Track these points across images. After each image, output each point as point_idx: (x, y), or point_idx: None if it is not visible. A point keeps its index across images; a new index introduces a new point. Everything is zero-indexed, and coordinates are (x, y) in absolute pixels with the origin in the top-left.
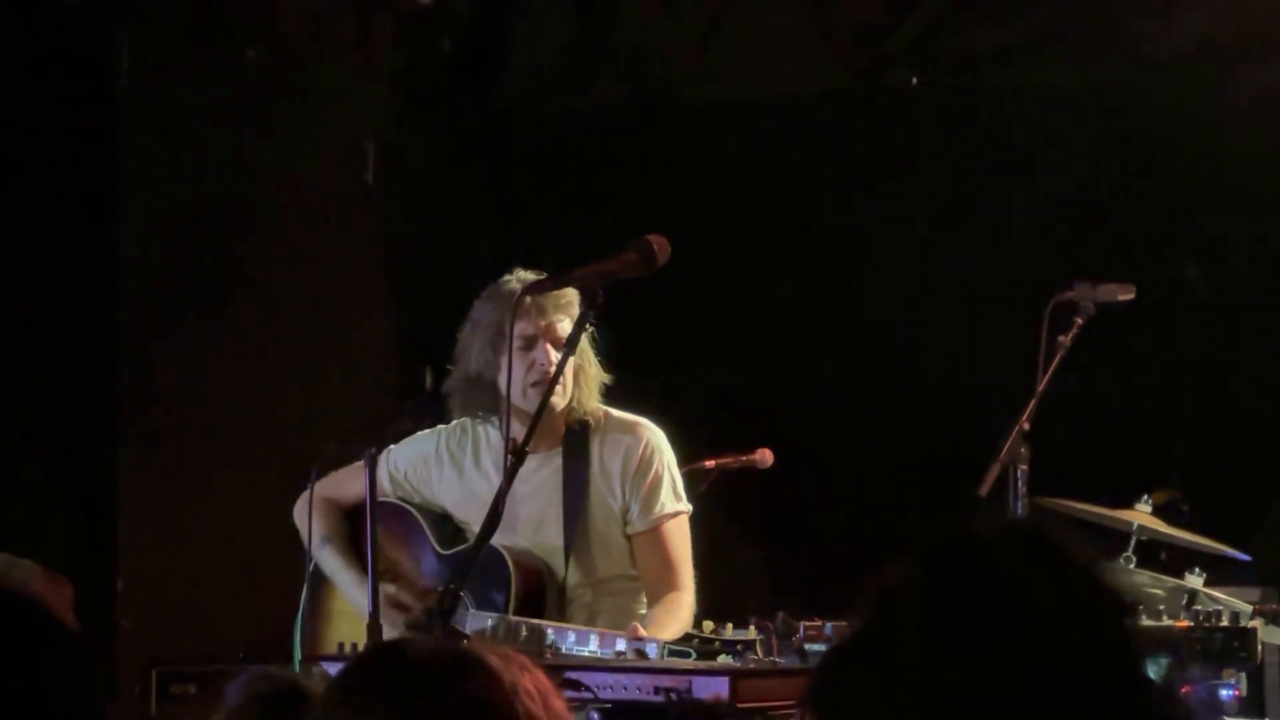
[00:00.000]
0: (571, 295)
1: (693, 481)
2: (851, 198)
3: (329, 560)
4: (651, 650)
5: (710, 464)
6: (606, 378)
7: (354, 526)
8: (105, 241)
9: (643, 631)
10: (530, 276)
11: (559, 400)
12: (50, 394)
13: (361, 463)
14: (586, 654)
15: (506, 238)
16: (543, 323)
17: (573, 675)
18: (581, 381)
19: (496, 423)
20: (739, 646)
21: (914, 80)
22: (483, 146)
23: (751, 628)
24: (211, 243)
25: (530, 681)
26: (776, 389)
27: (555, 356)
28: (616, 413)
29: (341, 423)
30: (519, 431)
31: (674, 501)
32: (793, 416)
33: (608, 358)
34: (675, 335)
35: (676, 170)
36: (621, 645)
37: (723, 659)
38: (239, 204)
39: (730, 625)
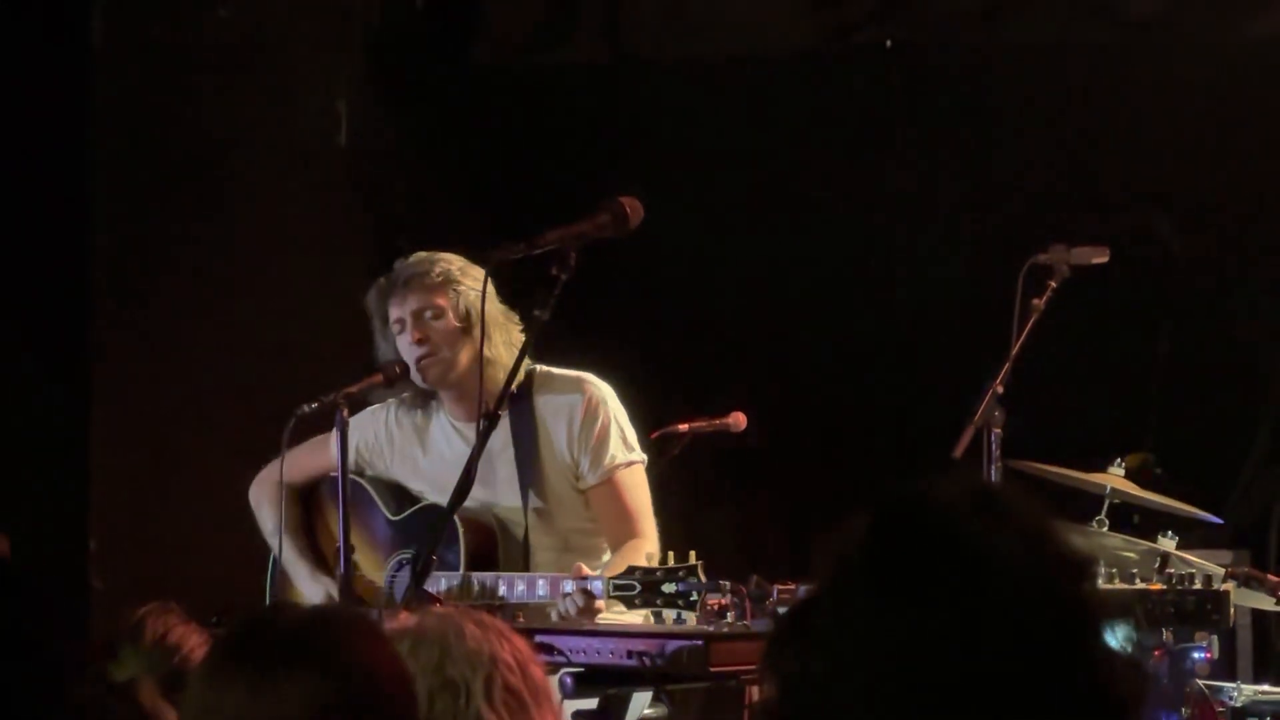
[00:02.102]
0: (444, 270)
1: (665, 446)
2: (825, 158)
3: (283, 550)
4: (596, 587)
5: (683, 428)
6: (518, 337)
7: (307, 511)
8: (77, 200)
9: (587, 570)
10: (424, 255)
11: (445, 370)
12: (21, 353)
13: (317, 439)
14: (537, 600)
15: (480, 197)
16: (406, 303)
17: (545, 639)
18: (488, 349)
19: (432, 406)
20: (680, 574)
21: (887, 40)
22: (456, 106)
23: (726, 591)
24: (184, 203)
25: (509, 652)
26: (750, 352)
27: (428, 332)
28: (558, 370)
29: (316, 384)
30: (456, 409)
31: (624, 451)
32: (766, 380)
33: (579, 321)
34: (647, 298)
35: (649, 130)
36: (569, 586)
37: (666, 588)
38: (212, 164)
39: (671, 554)
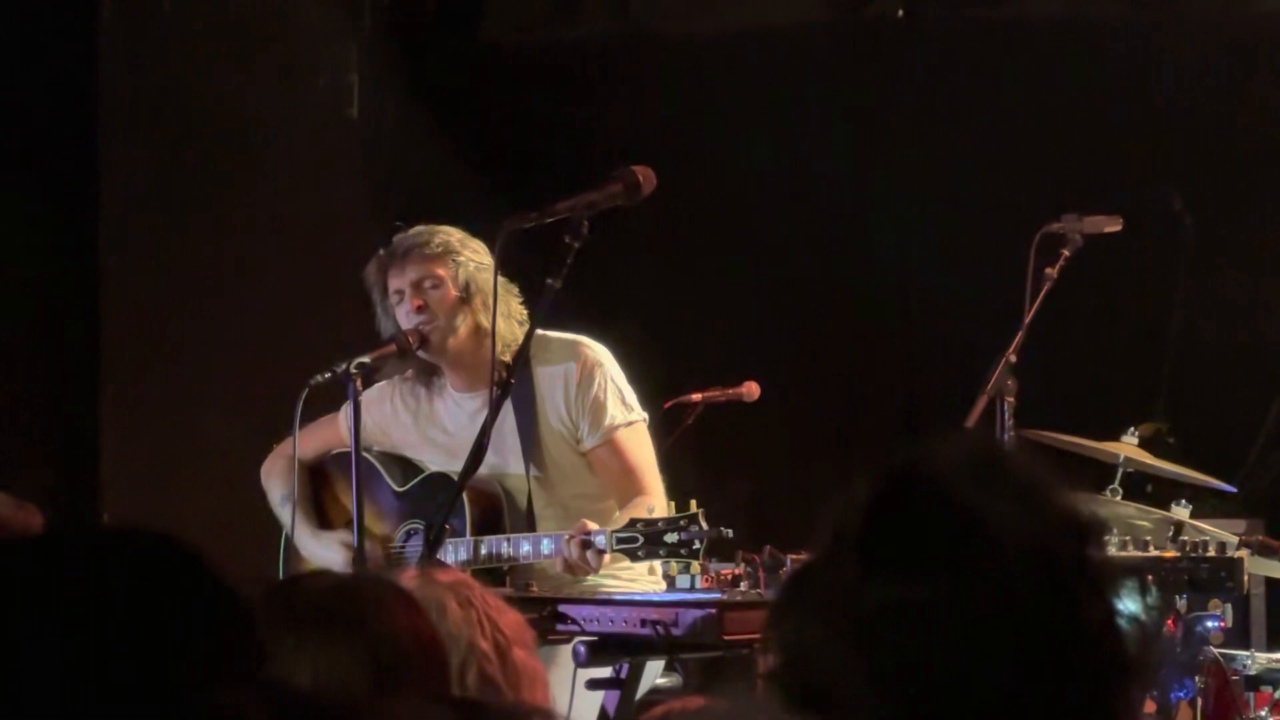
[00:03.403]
0: (445, 241)
1: (679, 415)
2: (837, 130)
3: (287, 518)
4: (600, 540)
5: (696, 397)
6: (517, 309)
7: (315, 486)
8: (86, 179)
9: (591, 525)
10: (424, 227)
11: (443, 339)
12: (32, 331)
13: (324, 418)
14: (544, 558)
15: (490, 171)
16: (406, 274)
17: (559, 608)
18: (481, 317)
19: (435, 382)
20: (682, 523)
21: (900, 12)
22: (468, 80)
23: (740, 561)
24: (196, 179)
25: (489, 637)
26: (762, 322)
27: (427, 300)
28: (554, 334)
29: (327, 357)
30: (456, 381)
31: (624, 412)
32: (779, 349)
33: (592, 290)
34: (660, 268)
35: (660, 103)
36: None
37: (669, 538)
38: (223, 139)
39: (673, 504)
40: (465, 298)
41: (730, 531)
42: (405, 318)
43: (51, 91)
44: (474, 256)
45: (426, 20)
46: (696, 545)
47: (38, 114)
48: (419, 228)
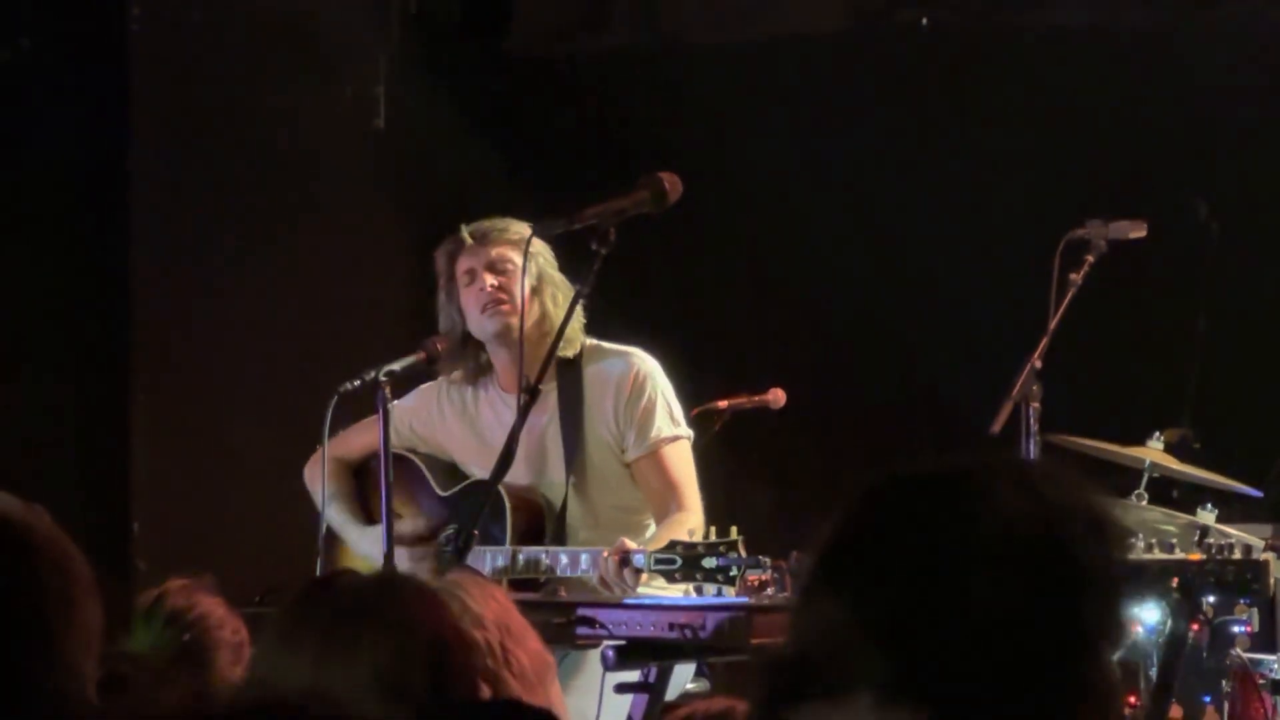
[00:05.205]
0: (520, 232)
1: (705, 422)
2: (862, 138)
3: (335, 517)
4: (639, 560)
5: (723, 405)
6: (580, 319)
7: (360, 483)
8: (117, 187)
9: (630, 544)
10: (485, 224)
11: (513, 321)
12: (63, 338)
13: (370, 418)
14: (581, 574)
15: (517, 182)
16: (481, 255)
17: (587, 613)
18: (550, 308)
19: (482, 382)
20: (721, 549)
21: (924, 21)
22: (493, 91)
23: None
24: (224, 189)
25: (494, 636)
26: (789, 328)
27: (496, 281)
28: (607, 344)
29: (355, 364)
30: (506, 379)
31: (671, 426)
32: (805, 356)
33: (619, 298)
34: (687, 275)
35: (686, 113)
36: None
37: (706, 562)
38: (251, 150)
39: (713, 529)
40: (536, 287)
41: (768, 560)
42: (473, 298)
43: (81, 102)
44: (545, 253)
45: (454, 31)
46: (733, 572)
47: (68, 123)
48: (496, 218)
